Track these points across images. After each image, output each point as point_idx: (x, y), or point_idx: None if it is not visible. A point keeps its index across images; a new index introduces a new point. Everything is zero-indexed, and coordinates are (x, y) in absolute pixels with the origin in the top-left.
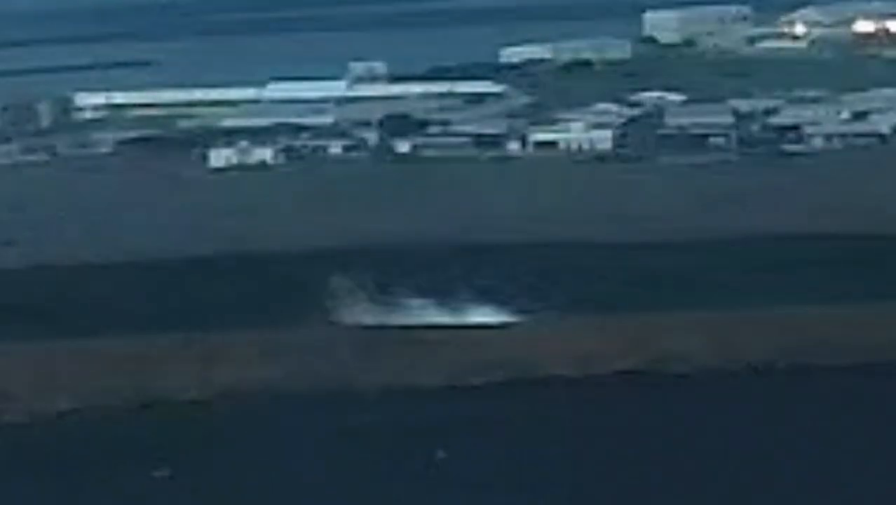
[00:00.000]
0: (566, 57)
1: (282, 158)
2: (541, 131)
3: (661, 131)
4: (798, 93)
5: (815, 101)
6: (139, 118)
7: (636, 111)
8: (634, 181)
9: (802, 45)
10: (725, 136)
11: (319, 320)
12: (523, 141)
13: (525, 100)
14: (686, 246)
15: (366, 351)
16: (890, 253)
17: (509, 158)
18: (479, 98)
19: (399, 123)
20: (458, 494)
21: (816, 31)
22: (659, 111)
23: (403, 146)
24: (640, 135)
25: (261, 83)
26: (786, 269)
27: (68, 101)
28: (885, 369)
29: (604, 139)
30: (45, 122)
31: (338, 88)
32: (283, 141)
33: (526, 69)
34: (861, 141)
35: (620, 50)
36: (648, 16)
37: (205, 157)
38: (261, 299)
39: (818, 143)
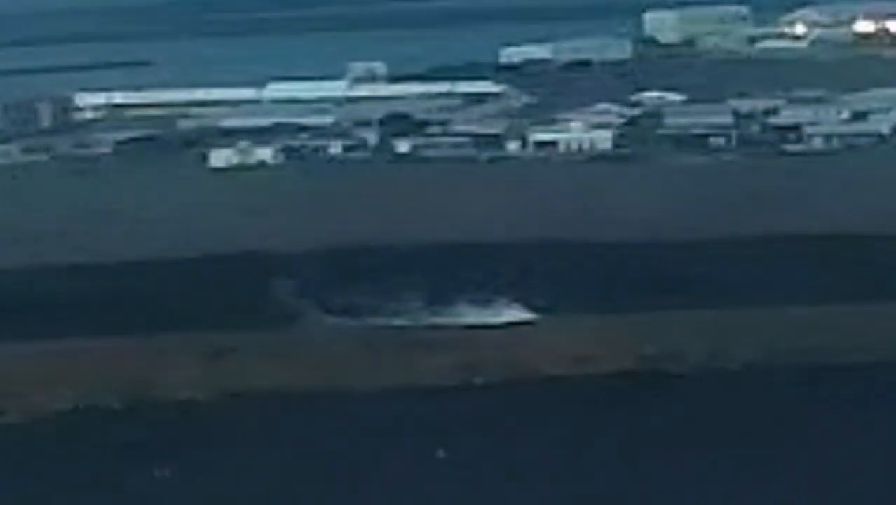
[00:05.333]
0: (566, 57)
1: (282, 158)
2: (541, 131)
3: (661, 131)
4: (798, 93)
5: (815, 101)
6: (139, 118)
7: (636, 111)
8: (634, 181)
9: (802, 45)
10: (725, 136)
11: (320, 320)
12: (523, 141)
13: (525, 100)
14: (686, 246)
15: (366, 351)
16: (889, 253)
17: (509, 158)
18: (479, 98)
19: (399, 123)
20: (459, 493)
21: (816, 31)
22: (659, 111)
23: (403, 146)
24: (640, 135)
25: (261, 83)
26: (785, 268)
27: (68, 101)
28: (885, 369)
29: (604, 139)
30: (45, 122)
31: (338, 88)
32: (283, 141)
33: (526, 69)
34: (861, 141)
35: (620, 50)
36: (648, 16)
37: (205, 157)
38: (261, 299)
39: (818, 143)
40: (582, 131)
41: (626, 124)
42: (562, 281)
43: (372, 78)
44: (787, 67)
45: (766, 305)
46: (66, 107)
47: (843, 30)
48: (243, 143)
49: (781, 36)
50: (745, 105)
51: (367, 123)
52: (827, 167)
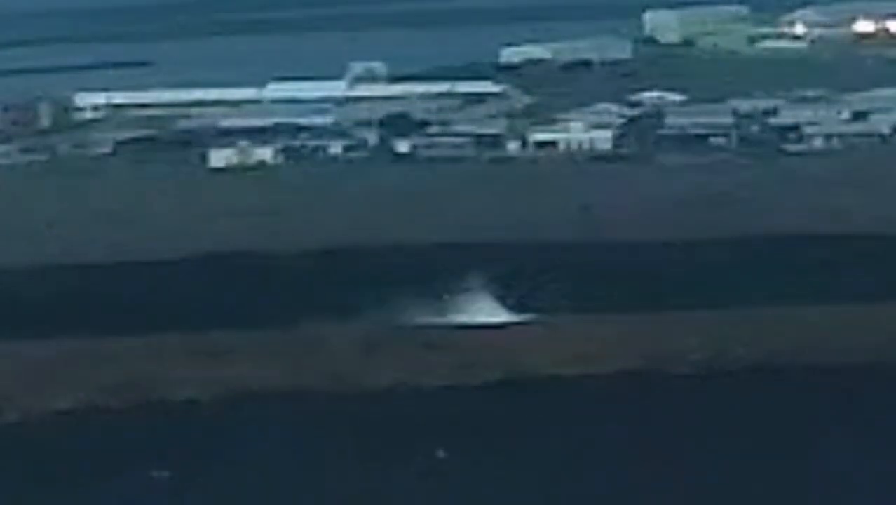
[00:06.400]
0: (566, 57)
1: (282, 158)
2: (541, 131)
3: (661, 131)
4: (798, 93)
5: (815, 101)
6: (139, 118)
7: (636, 111)
8: (634, 181)
9: (802, 45)
10: (725, 136)
11: (320, 320)
12: (523, 141)
13: (525, 100)
14: (686, 246)
15: (366, 351)
16: (890, 253)
17: (509, 158)
18: (479, 98)
19: (399, 123)
20: (459, 493)
21: (816, 31)
22: (659, 111)
23: (403, 146)
24: (640, 135)
25: (261, 83)
26: (786, 269)
27: (68, 101)
28: (885, 369)
29: (604, 139)
30: (45, 122)
31: (338, 88)
32: (283, 141)
33: (526, 69)
34: (861, 141)
35: (620, 50)
36: (648, 16)
37: (204, 158)
38: (261, 299)
39: (818, 143)
40: (582, 131)
41: (626, 124)
42: (562, 281)
43: (372, 78)
44: (787, 67)
45: (767, 305)
46: (66, 107)
47: (843, 30)
48: (243, 143)
49: (781, 36)
50: (745, 105)
51: (367, 123)
52: (827, 167)
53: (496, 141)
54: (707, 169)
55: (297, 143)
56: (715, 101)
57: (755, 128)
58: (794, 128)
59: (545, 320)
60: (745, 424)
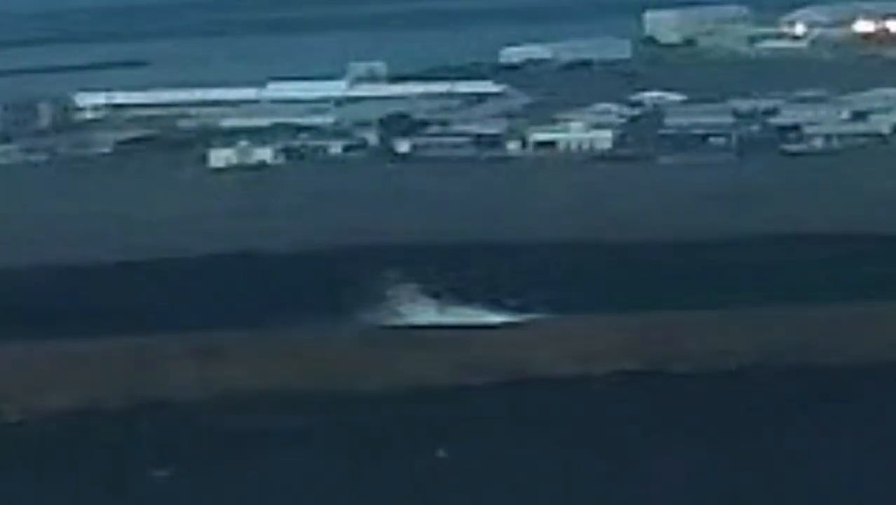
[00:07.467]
0: (566, 57)
1: (282, 158)
2: (541, 131)
3: (661, 131)
4: (798, 93)
5: (815, 101)
6: (139, 118)
7: (636, 111)
8: (634, 181)
9: (802, 45)
10: (725, 136)
11: (319, 320)
12: (523, 141)
13: (525, 100)
14: (686, 246)
15: (366, 351)
16: (889, 253)
17: (509, 158)
18: (479, 98)
19: (399, 123)
20: (459, 493)
21: (816, 31)
22: (659, 111)
23: (403, 146)
24: (640, 135)
25: (261, 83)
26: (786, 269)
27: (68, 101)
28: (885, 369)
29: (604, 139)
30: (45, 122)
31: (338, 88)
32: (283, 141)
33: (526, 69)
34: (861, 141)
35: (620, 50)
36: (648, 16)
37: (205, 158)
38: (261, 299)
39: (818, 143)
40: (582, 131)
41: (626, 124)
42: (561, 281)
43: (372, 78)
44: (787, 67)
45: (767, 305)
46: (66, 107)
47: (843, 30)
48: (243, 143)
49: (781, 36)
50: (745, 105)
51: (367, 123)
52: (827, 167)
53: (496, 141)
54: (707, 169)
55: (297, 143)
56: (715, 101)
57: (755, 128)
58: (794, 128)
59: (545, 320)
60: (745, 424)
